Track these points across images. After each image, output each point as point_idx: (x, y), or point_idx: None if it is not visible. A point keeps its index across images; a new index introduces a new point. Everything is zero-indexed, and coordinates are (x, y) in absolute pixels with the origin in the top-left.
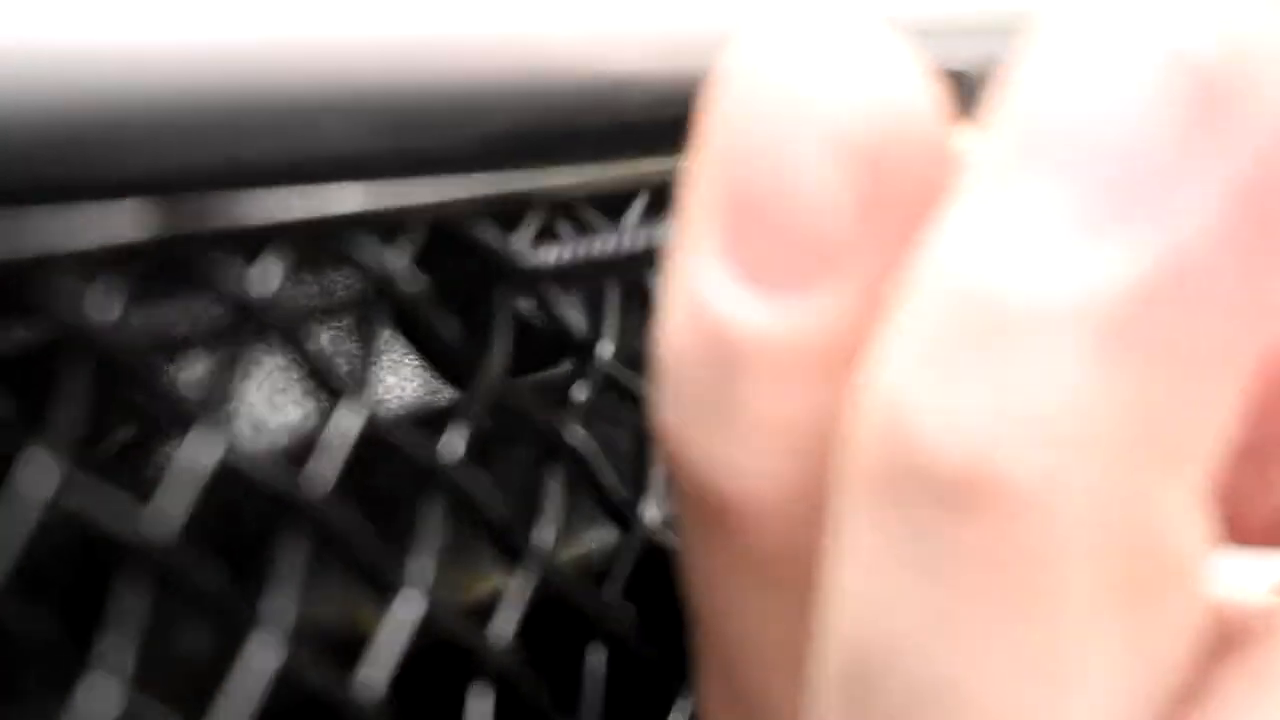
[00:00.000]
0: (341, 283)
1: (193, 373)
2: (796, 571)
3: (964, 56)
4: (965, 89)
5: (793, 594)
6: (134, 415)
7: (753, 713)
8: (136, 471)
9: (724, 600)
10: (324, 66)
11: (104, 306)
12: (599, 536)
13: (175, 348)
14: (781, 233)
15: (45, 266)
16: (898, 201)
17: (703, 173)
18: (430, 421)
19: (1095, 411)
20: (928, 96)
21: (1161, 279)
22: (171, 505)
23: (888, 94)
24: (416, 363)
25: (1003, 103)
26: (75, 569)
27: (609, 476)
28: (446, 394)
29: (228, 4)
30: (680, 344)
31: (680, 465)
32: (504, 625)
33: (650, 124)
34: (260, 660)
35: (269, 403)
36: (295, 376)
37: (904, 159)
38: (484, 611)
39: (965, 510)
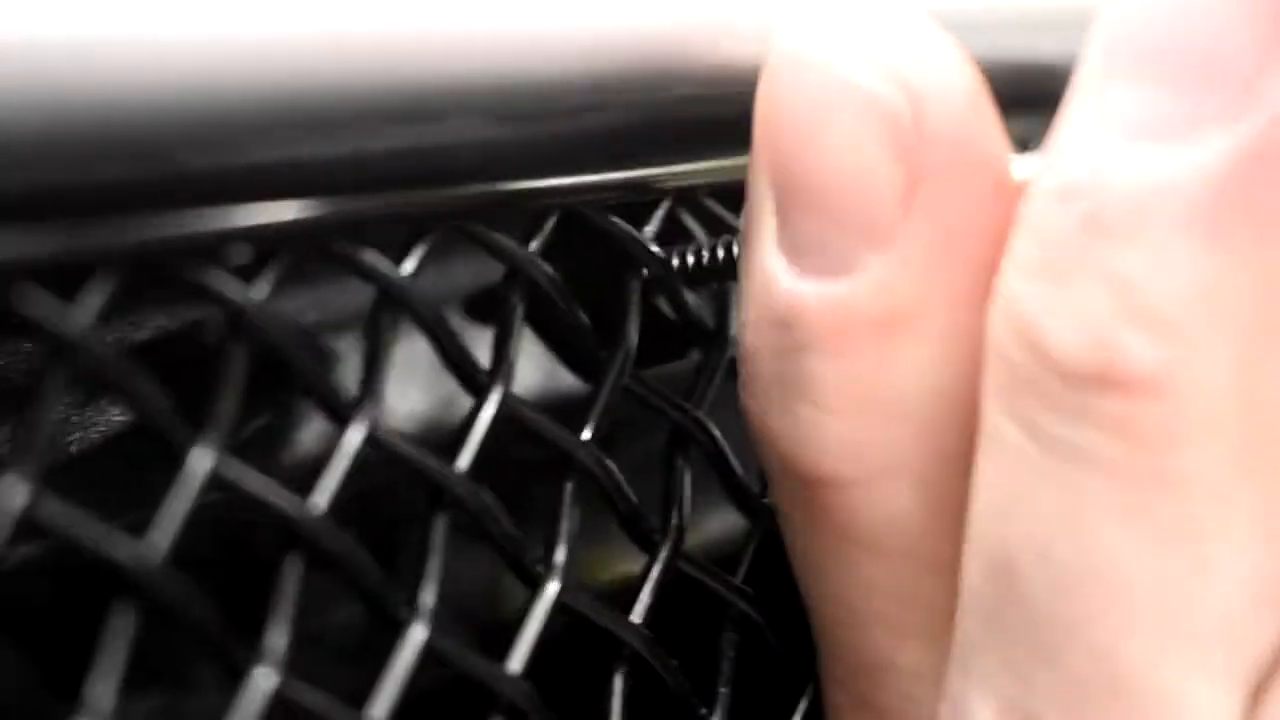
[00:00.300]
0: (467, 273)
1: (336, 359)
2: (898, 539)
3: (1007, 49)
4: (1008, 80)
5: (898, 562)
6: (271, 400)
7: (871, 690)
8: (274, 453)
9: (831, 577)
10: (455, 61)
11: (262, 293)
12: (723, 523)
13: (324, 334)
14: (830, 214)
15: (212, 254)
16: (944, 171)
17: (757, 162)
18: (558, 409)
19: (1210, 293)
20: (964, 71)
21: (1259, 155)
22: (326, 489)
23: (924, 70)
24: (540, 350)
25: (1093, 20)
26: (231, 552)
27: (736, 465)
28: (566, 381)
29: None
30: (754, 328)
31: (769, 447)
32: (639, 610)
33: None
34: (409, 643)
35: (396, 390)
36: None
37: (945, 131)
38: (617, 596)
39: (1096, 400)
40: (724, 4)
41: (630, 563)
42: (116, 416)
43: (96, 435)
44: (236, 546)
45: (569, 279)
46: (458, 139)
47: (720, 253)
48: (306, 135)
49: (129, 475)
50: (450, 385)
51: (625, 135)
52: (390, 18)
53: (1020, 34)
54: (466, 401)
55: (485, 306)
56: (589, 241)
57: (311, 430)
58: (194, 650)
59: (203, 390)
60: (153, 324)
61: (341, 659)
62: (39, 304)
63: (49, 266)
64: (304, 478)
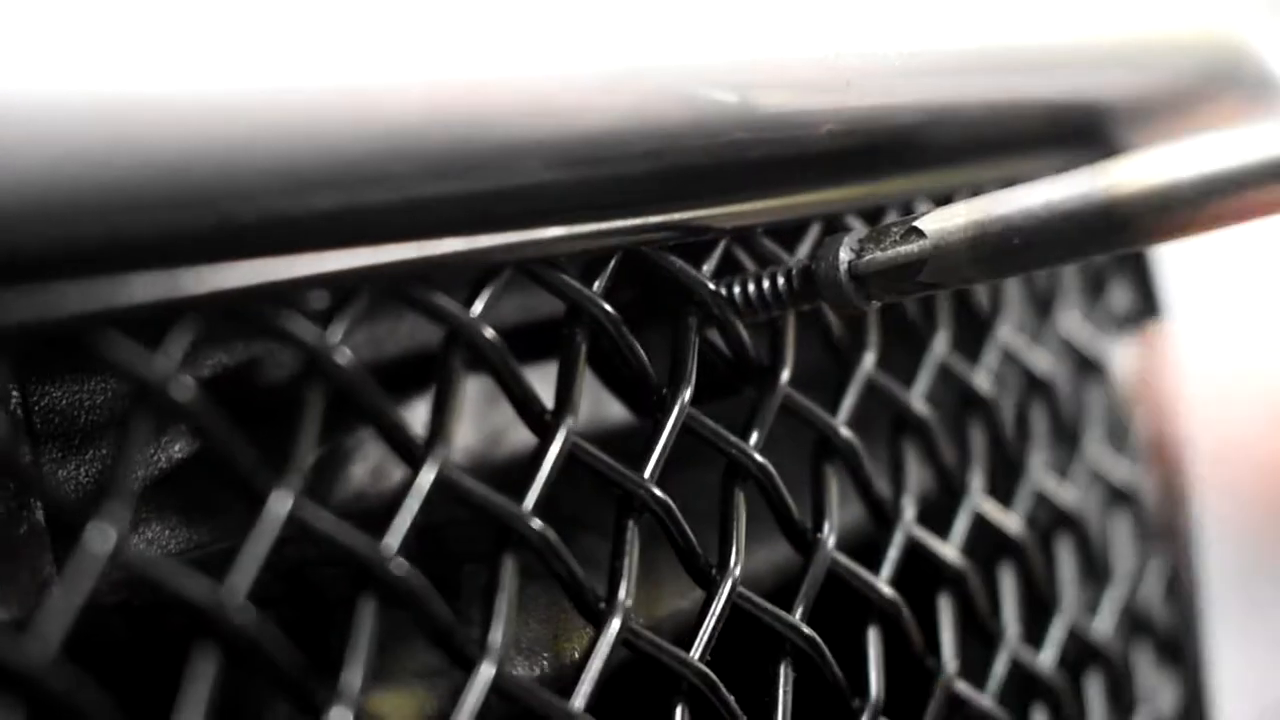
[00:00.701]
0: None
1: (403, 397)
2: None
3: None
4: (1050, 117)
5: None
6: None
7: None
8: (331, 485)
9: None
10: (520, 115)
11: (337, 337)
12: (769, 556)
13: (394, 374)
14: None
15: (290, 300)
16: None
17: None
18: (610, 444)
19: None
20: None
21: None
22: (398, 530)
23: None
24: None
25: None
26: (299, 590)
27: (791, 502)
28: (611, 412)
29: (448, 64)
30: None
31: None
32: (698, 645)
33: (823, 157)
34: (479, 681)
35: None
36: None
37: None
38: (676, 629)
39: None
40: (774, 56)
41: (677, 597)
42: (176, 451)
43: (158, 469)
44: (305, 585)
45: (628, 317)
46: (527, 184)
47: (779, 282)
48: (380, 183)
49: (195, 508)
50: (499, 419)
51: (686, 177)
52: (461, 73)
53: (1065, 73)
54: (514, 436)
55: (533, 341)
56: (644, 280)
57: (365, 461)
58: (273, 690)
59: (259, 421)
60: (212, 360)
61: (414, 695)
62: (125, 350)
63: (135, 314)
64: (362, 510)
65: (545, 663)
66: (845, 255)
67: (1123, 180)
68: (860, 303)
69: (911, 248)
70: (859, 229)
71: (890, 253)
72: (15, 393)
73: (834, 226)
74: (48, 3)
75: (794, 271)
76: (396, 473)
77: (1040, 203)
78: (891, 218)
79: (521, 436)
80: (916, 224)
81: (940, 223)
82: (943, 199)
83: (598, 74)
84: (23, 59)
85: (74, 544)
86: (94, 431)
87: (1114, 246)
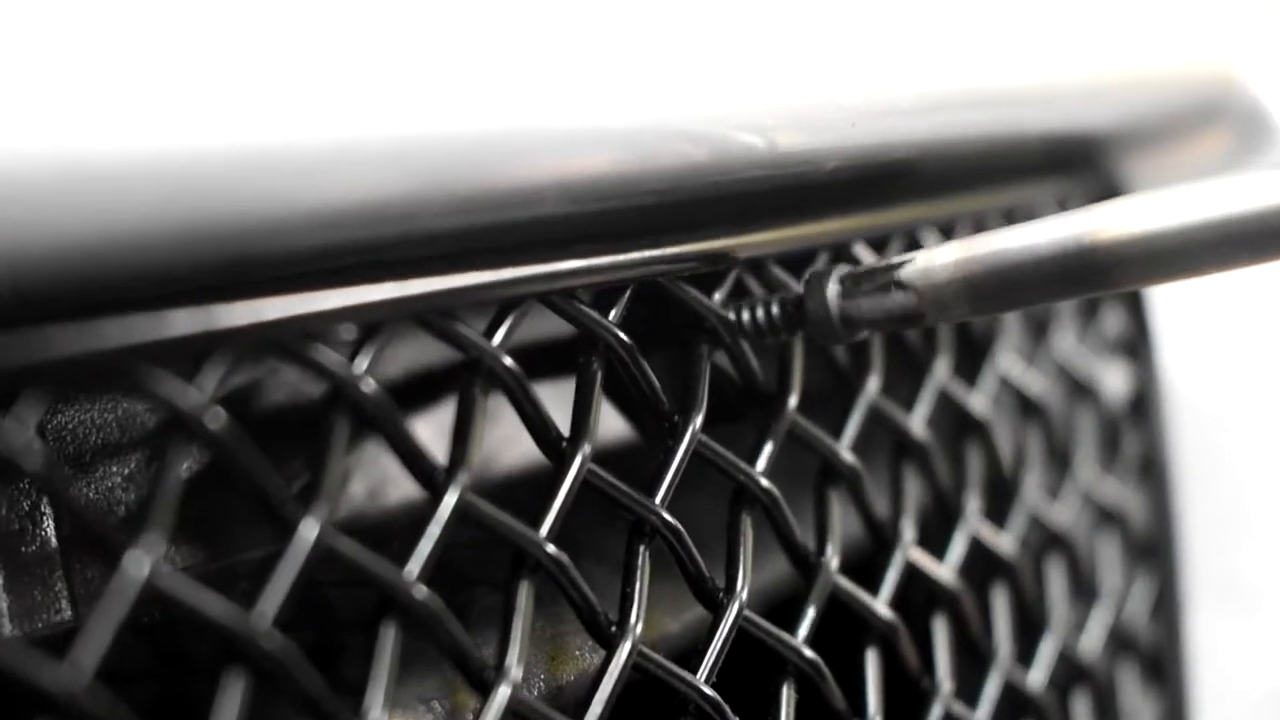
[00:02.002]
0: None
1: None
2: None
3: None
4: (1048, 147)
5: None
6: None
7: None
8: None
9: None
10: (544, 158)
11: (362, 367)
12: (770, 579)
13: (412, 401)
14: None
15: (318, 332)
16: None
17: None
18: (619, 466)
19: None
20: None
21: None
22: (420, 556)
23: None
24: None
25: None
26: (317, 616)
27: (795, 526)
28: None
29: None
30: None
31: None
32: (705, 668)
33: (829, 190)
34: (495, 704)
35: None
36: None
37: None
38: (681, 650)
39: None
40: (785, 97)
41: (690, 619)
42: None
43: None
44: (322, 610)
45: (642, 344)
46: (547, 219)
47: (772, 312)
48: (406, 219)
49: (212, 526)
50: (491, 444)
51: (701, 210)
52: (489, 115)
53: (1059, 106)
54: (511, 457)
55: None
56: (653, 307)
57: (362, 482)
58: (298, 713)
59: (269, 440)
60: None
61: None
62: (163, 383)
63: (173, 348)
64: (361, 529)
65: (541, 684)
66: (833, 290)
67: (1104, 226)
68: (844, 336)
69: (897, 286)
70: (843, 266)
71: (876, 290)
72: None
73: (841, 254)
74: (95, 59)
75: (787, 303)
76: (392, 494)
77: (1023, 246)
78: (893, 250)
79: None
80: (903, 262)
81: (926, 262)
82: (945, 227)
83: (617, 115)
84: (72, 113)
85: (112, 571)
86: (104, 451)
87: (1095, 290)
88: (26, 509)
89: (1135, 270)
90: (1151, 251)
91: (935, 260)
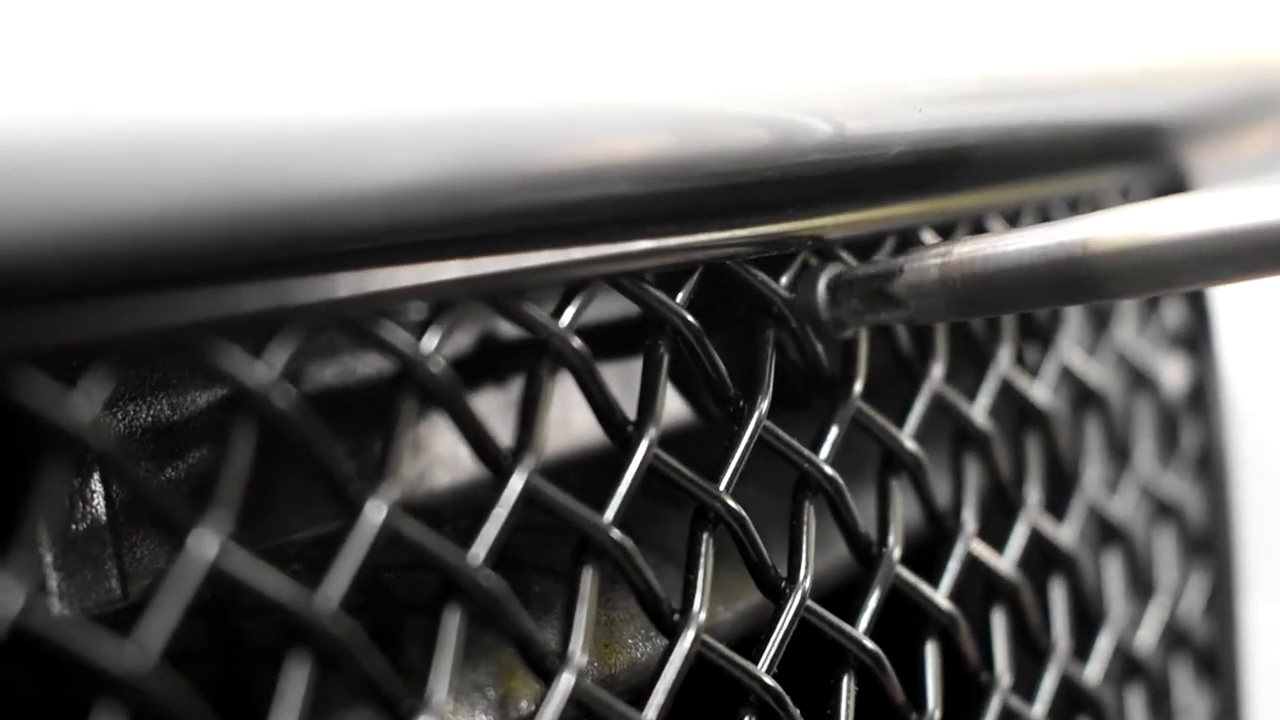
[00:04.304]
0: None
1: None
2: None
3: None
4: (1111, 135)
5: None
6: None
7: None
8: None
9: None
10: (612, 140)
11: (433, 348)
12: (824, 568)
13: (476, 382)
14: None
15: (387, 310)
16: None
17: None
18: (681, 449)
19: None
20: None
21: None
22: (486, 540)
23: None
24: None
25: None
26: (380, 599)
27: (858, 514)
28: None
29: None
30: None
31: None
32: (766, 659)
33: (895, 173)
34: (557, 692)
35: None
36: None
37: None
38: (733, 640)
39: None
40: (853, 82)
41: (726, 606)
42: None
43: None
44: (380, 593)
45: (707, 328)
46: (616, 198)
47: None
48: (477, 196)
49: (260, 507)
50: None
51: (768, 193)
52: (561, 95)
53: (1123, 93)
54: (560, 441)
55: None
56: (719, 292)
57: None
58: (361, 697)
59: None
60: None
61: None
62: (232, 358)
63: (244, 323)
64: (424, 515)
65: (595, 672)
66: (823, 287)
67: (1095, 236)
68: (832, 332)
69: (888, 286)
70: (836, 265)
71: (867, 288)
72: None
73: (908, 239)
74: (164, 29)
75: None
76: (441, 476)
77: (1016, 252)
78: (887, 248)
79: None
80: (897, 263)
81: (919, 263)
82: (1010, 215)
83: (683, 97)
84: (140, 81)
85: (177, 550)
86: (155, 430)
87: (1086, 299)
88: (77, 486)
89: (1126, 281)
90: (1143, 263)
91: (926, 260)
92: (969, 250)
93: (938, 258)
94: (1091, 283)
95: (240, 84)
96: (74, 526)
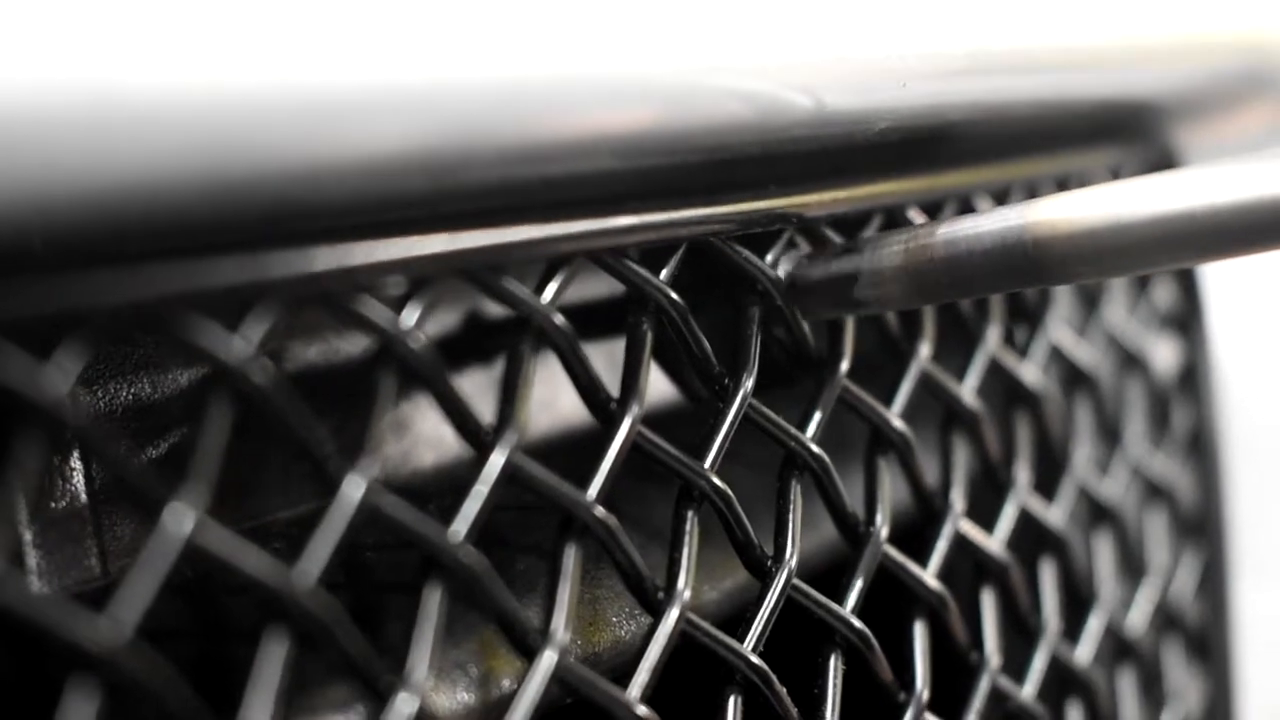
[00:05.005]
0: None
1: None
2: None
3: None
4: (1101, 114)
5: None
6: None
7: None
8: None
9: None
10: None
11: (412, 324)
12: (811, 547)
13: (460, 362)
14: None
15: (367, 285)
16: None
17: None
18: (665, 428)
19: None
20: None
21: None
22: (466, 517)
23: None
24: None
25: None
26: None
27: (844, 493)
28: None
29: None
30: None
31: None
32: (752, 637)
33: (880, 149)
34: (539, 669)
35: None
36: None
37: None
38: (718, 619)
39: None
40: (837, 56)
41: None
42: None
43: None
44: (358, 570)
45: (693, 305)
46: (598, 173)
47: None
48: (457, 169)
49: (239, 485)
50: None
51: (751, 168)
52: (540, 66)
53: (1112, 71)
54: (545, 421)
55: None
56: (704, 269)
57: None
58: (339, 674)
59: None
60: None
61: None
62: (207, 333)
63: (219, 297)
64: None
65: (578, 650)
66: (784, 272)
67: (1043, 220)
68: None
69: (847, 271)
70: (797, 251)
71: (825, 274)
72: None
73: (894, 218)
74: (158, 6)
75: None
76: (425, 454)
77: (968, 237)
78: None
79: None
80: (853, 248)
81: (875, 249)
82: (999, 194)
83: (666, 70)
84: (108, 48)
85: (153, 525)
86: (134, 406)
87: (1038, 283)
88: (56, 464)
89: (1079, 265)
90: (1095, 247)
91: (884, 245)
92: (922, 238)
93: (893, 244)
94: (1047, 268)
95: (219, 52)
96: (53, 504)
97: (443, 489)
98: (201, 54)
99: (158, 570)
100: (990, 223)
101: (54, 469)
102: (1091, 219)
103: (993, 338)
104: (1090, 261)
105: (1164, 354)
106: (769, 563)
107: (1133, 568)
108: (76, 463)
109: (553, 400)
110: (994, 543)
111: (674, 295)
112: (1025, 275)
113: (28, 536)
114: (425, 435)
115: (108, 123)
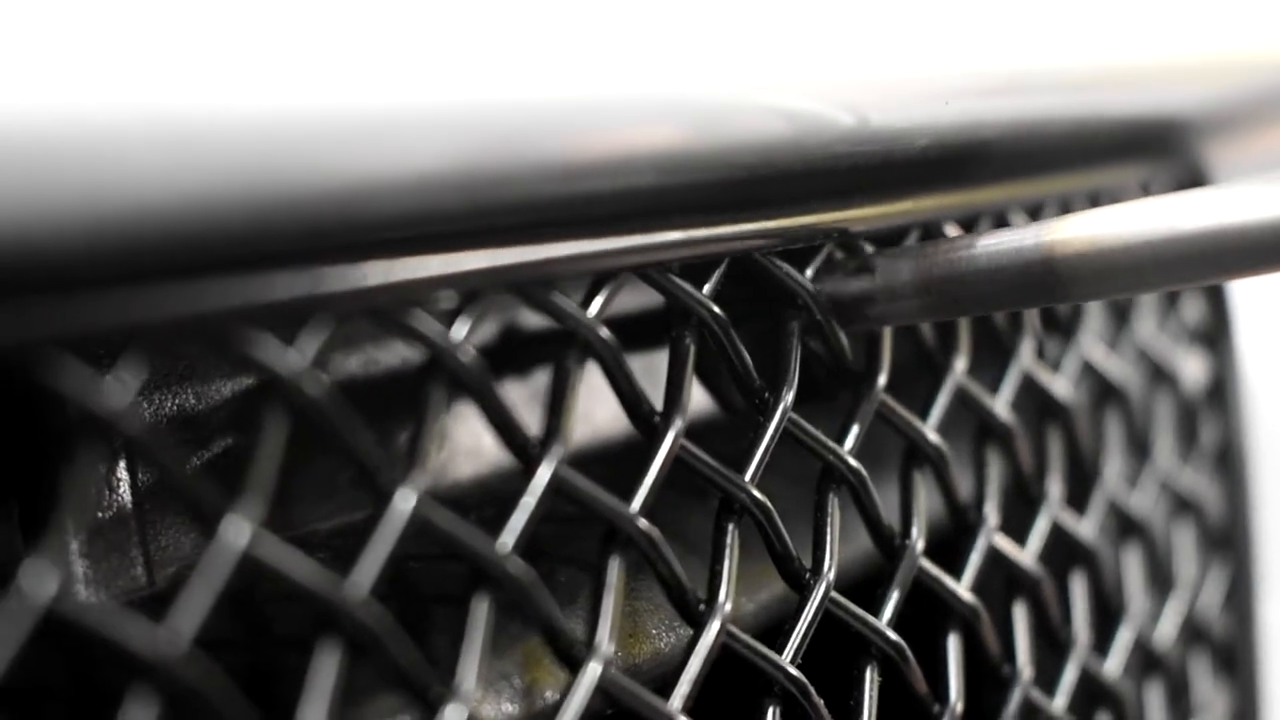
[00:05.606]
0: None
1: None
2: None
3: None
4: (1131, 131)
5: None
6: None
7: None
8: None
9: None
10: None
11: (462, 337)
12: (846, 560)
13: (500, 374)
14: None
15: (418, 299)
16: None
17: None
18: (701, 440)
19: None
20: None
21: None
22: (514, 529)
23: None
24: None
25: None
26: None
27: (881, 507)
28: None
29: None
30: None
31: None
32: (790, 649)
33: (921, 166)
34: (584, 681)
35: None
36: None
37: None
38: (754, 631)
39: None
40: (880, 75)
41: (748, 598)
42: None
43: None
44: (412, 583)
45: (734, 319)
46: (643, 189)
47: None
48: (507, 186)
49: (285, 496)
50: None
51: (794, 185)
52: (586, 86)
53: (1146, 89)
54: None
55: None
56: (744, 283)
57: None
58: (390, 685)
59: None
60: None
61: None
62: (263, 346)
63: (275, 311)
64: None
65: (619, 662)
66: (823, 286)
67: (1062, 239)
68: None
69: (861, 285)
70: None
71: (839, 288)
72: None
73: (931, 233)
74: (205, 19)
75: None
76: (464, 466)
77: (985, 254)
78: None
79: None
80: (867, 263)
81: (889, 262)
82: (1033, 209)
83: (710, 88)
84: (170, 68)
85: (211, 537)
86: (180, 418)
87: (1054, 301)
88: (103, 473)
89: (1096, 283)
90: (1112, 266)
91: (899, 259)
92: (938, 254)
93: (908, 259)
94: (1059, 285)
95: (272, 72)
96: (100, 513)
97: (482, 500)
98: (259, 78)
99: (214, 581)
100: (1008, 240)
101: (101, 478)
102: (1105, 237)
103: (1026, 352)
104: (1104, 279)
105: (1193, 368)
106: (807, 575)
107: (1161, 581)
108: (123, 472)
109: (589, 413)
110: (1027, 556)
111: (716, 309)
112: (1043, 293)
113: (75, 545)
114: (464, 446)
115: (170, 144)
